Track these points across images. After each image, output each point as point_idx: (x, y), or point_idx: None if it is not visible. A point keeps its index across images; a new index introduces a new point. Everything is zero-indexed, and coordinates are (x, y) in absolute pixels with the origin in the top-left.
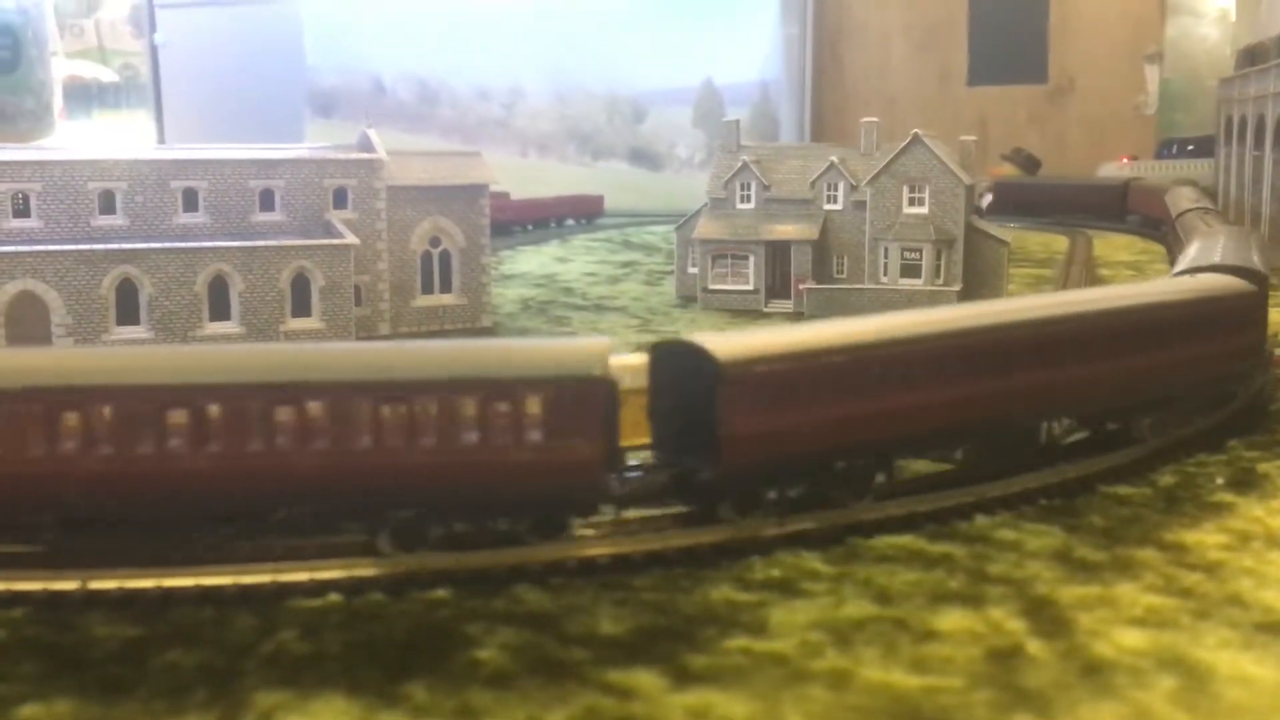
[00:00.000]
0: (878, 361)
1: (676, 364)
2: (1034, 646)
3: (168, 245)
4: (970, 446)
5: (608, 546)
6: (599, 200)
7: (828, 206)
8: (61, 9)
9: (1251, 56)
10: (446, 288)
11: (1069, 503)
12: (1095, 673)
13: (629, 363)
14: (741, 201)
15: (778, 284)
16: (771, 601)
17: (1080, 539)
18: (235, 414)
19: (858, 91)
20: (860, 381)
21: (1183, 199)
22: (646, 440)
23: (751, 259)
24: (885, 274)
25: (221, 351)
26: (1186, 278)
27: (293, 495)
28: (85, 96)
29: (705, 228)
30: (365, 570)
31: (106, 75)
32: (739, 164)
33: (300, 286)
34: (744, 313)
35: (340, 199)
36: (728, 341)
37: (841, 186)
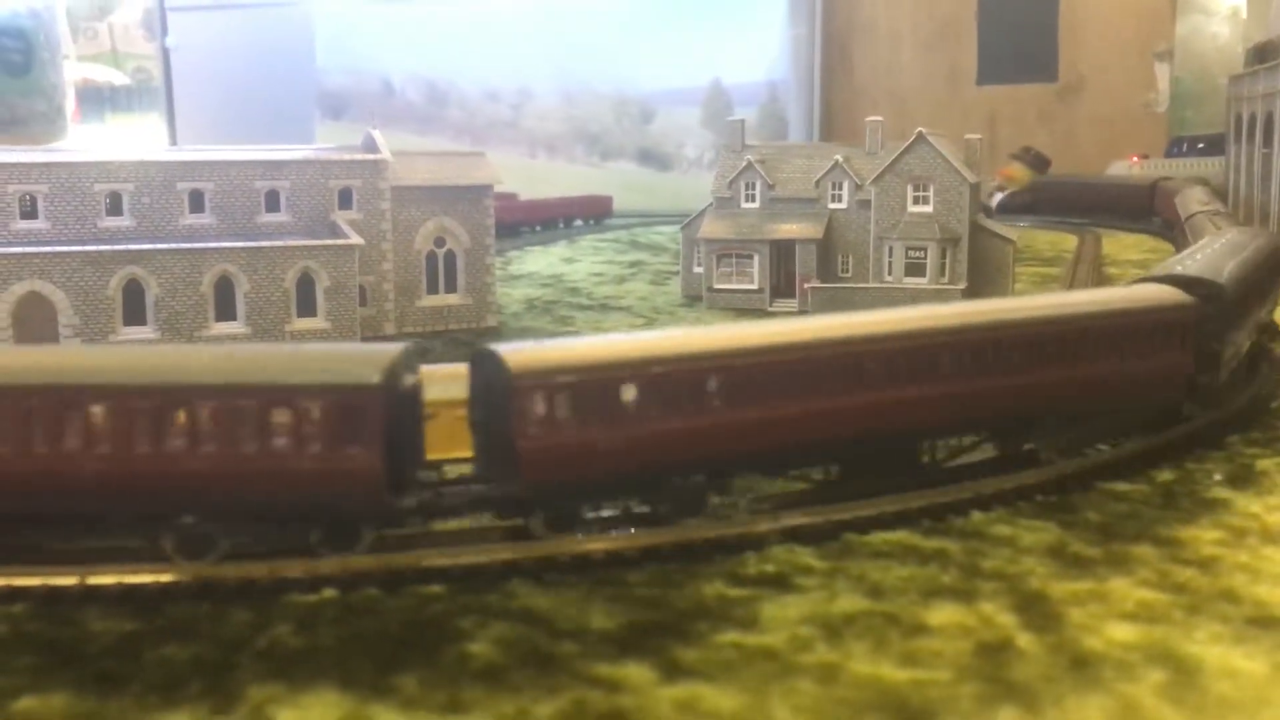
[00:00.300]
0: (702, 374)
1: (487, 373)
2: (1024, 640)
3: (174, 246)
4: (834, 465)
5: (603, 542)
6: (607, 201)
7: (832, 205)
8: (75, 12)
9: (1261, 54)
10: (451, 288)
11: (1065, 499)
12: (1083, 666)
13: (444, 372)
14: (746, 201)
15: (783, 283)
16: (764, 596)
17: (1075, 534)
18: (19, 417)
19: (866, 91)
20: (682, 395)
21: (1193, 201)
22: (468, 453)
23: (756, 258)
24: (890, 273)
25: (9, 353)
26: (1118, 289)
27: (77, 498)
28: (98, 99)
29: (710, 227)
30: (362, 565)
31: (119, 78)
32: (744, 163)
33: (305, 287)
34: (749, 312)
35: (345, 200)
36: (530, 350)
37: (846, 185)
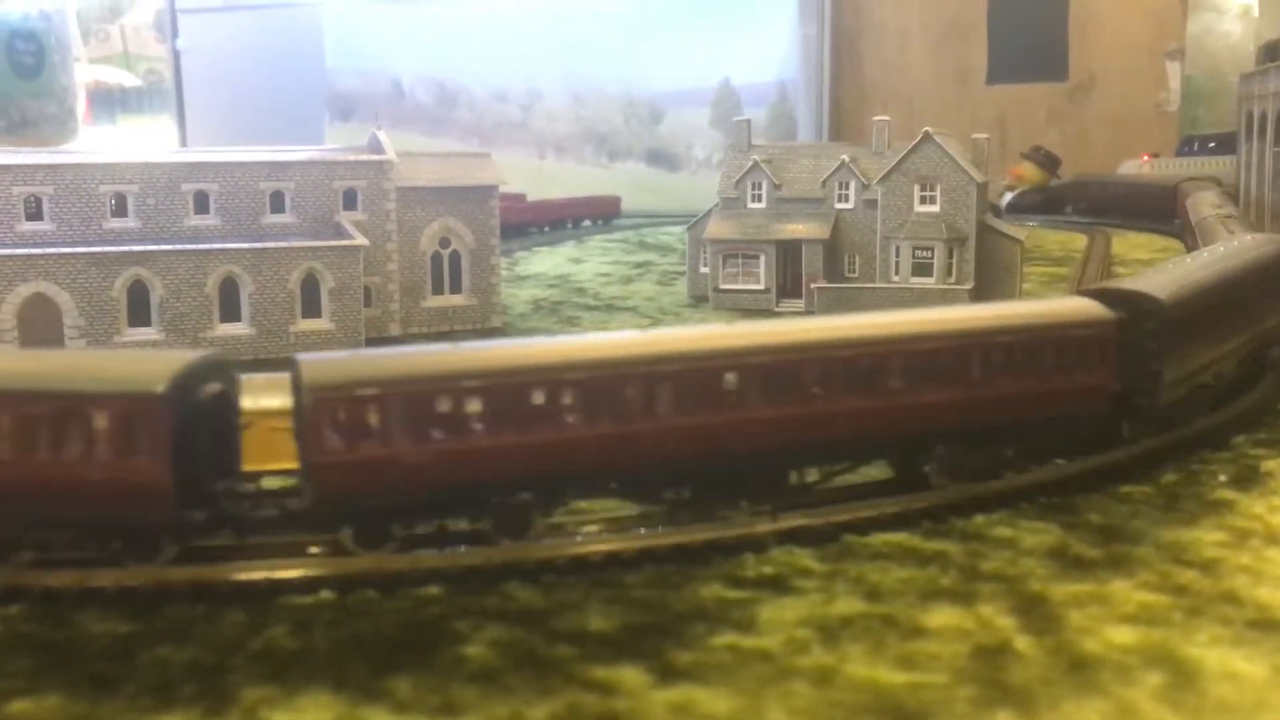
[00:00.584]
0: (524, 388)
1: (296, 383)
2: (1022, 643)
3: (178, 247)
4: (683, 487)
5: (601, 544)
6: (615, 201)
7: (839, 205)
8: (86, 14)
9: (1273, 52)
10: (456, 288)
11: (1068, 500)
12: (1082, 669)
13: (266, 380)
14: (753, 201)
15: (789, 283)
16: (761, 599)
17: (1077, 536)
18: None
19: (876, 91)
20: (503, 409)
21: (1204, 204)
22: (292, 464)
23: (762, 258)
24: (897, 273)
25: None
26: (1037, 302)
27: None
28: (109, 102)
29: (716, 227)
30: (358, 567)
31: (130, 80)
32: (750, 163)
33: (310, 288)
34: (755, 312)
35: (350, 200)
36: (333, 361)
37: (853, 185)
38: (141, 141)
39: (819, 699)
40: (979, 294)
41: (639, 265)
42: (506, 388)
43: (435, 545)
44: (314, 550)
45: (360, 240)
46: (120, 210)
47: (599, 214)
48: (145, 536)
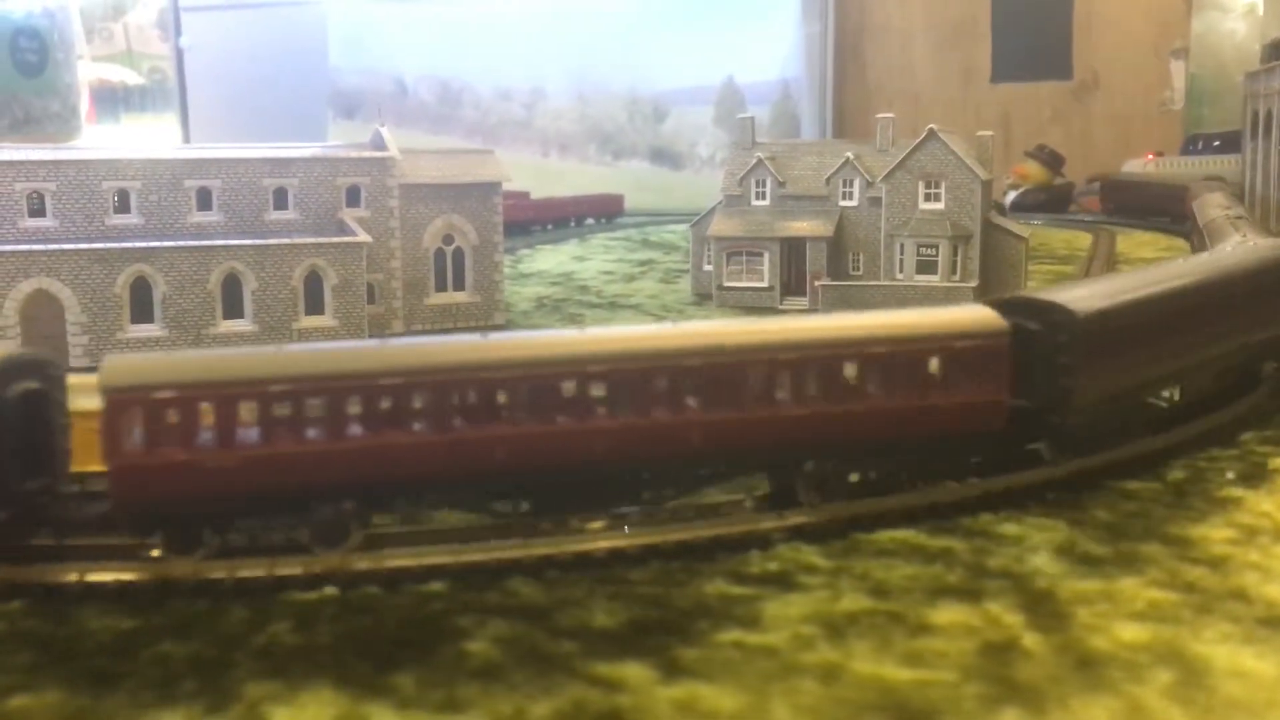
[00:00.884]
0: (341, 393)
1: None
2: (1030, 640)
3: (181, 244)
4: (521, 498)
5: (604, 540)
6: (619, 199)
7: (843, 203)
8: (90, 13)
9: (1277, 50)
10: (460, 285)
11: (1075, 497)
12: (1090, 667)
13: (89, 381)
14: (756, 198)
15: (793, 281)
16: (767, 595)
17: (1084, 533)
18: None
19: (880, 89)
20: (314, 415)
21: (1212, 205)
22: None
23: (766, 256)
24: (901, 270)
25: None
26: (927, 311)
27: None
28: (113, 100)
29: (720, 225)
30: (361, 564)
31: (133, 78)
32: (754, 161)
33: (313, 284)
34: (759, 310)
35: (353, 197)
36: (137, 362)
37: (857, 183)
38: (145, 140)
39: (825, 696)
40: (984, 291)
41: (642, 263)
42: (319, 391)
43: (255, 554)
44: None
45: (363, 237)
46: (123, 206)
47: (602, 212)
48: None
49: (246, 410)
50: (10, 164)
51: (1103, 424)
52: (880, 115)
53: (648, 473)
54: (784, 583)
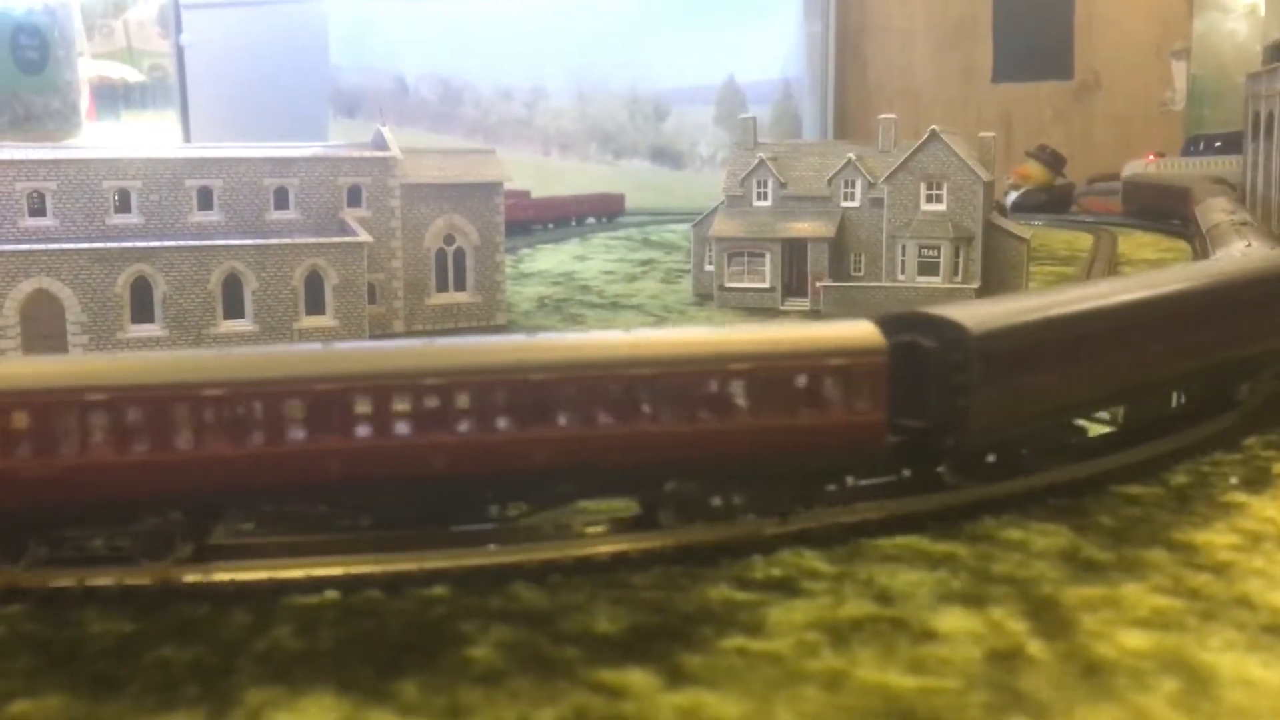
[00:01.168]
0: (163, 402)
1: None
2: (1034, 647)
3: (182, 243)
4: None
5: (607, 545)
6: (620, 199)
7: (845, 204)
8: (90, 10)
9: (1279, 51)
10: (461, 285)
11: (1078, 502)
12: (1095, 674)
13: None
14: (758, 199)
15: (794, 282)
16: (770, 601)
17: (1088, 539)
18: None
19: (881, 89)
20: (125, 424)
21: (1215, 210)
22: None
23: (768, 256)
24: (903, 272)
25: None
26: (803, 326)
27: None
28: (113, 97)
29: (721, 225)
30: (363, 567)
31: (134, 76)
32: (755, 161)
33: (314, 284)
34: (760, 311)
35: (354, 197)
36: None
37: (859, 184)
38: (145, 137)
39: (829, 703)
40: (985, 293)
41: (643, 263)
42: (140, 400)
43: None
44: None
45: (364, 237)
46: (124, 206)
47: (603, 212)
48: None
49: (59, 418)
50: (11, 163)
51: (1013, 447)
52: (882, 116)
53: (492, 490)
54: (787, 588)
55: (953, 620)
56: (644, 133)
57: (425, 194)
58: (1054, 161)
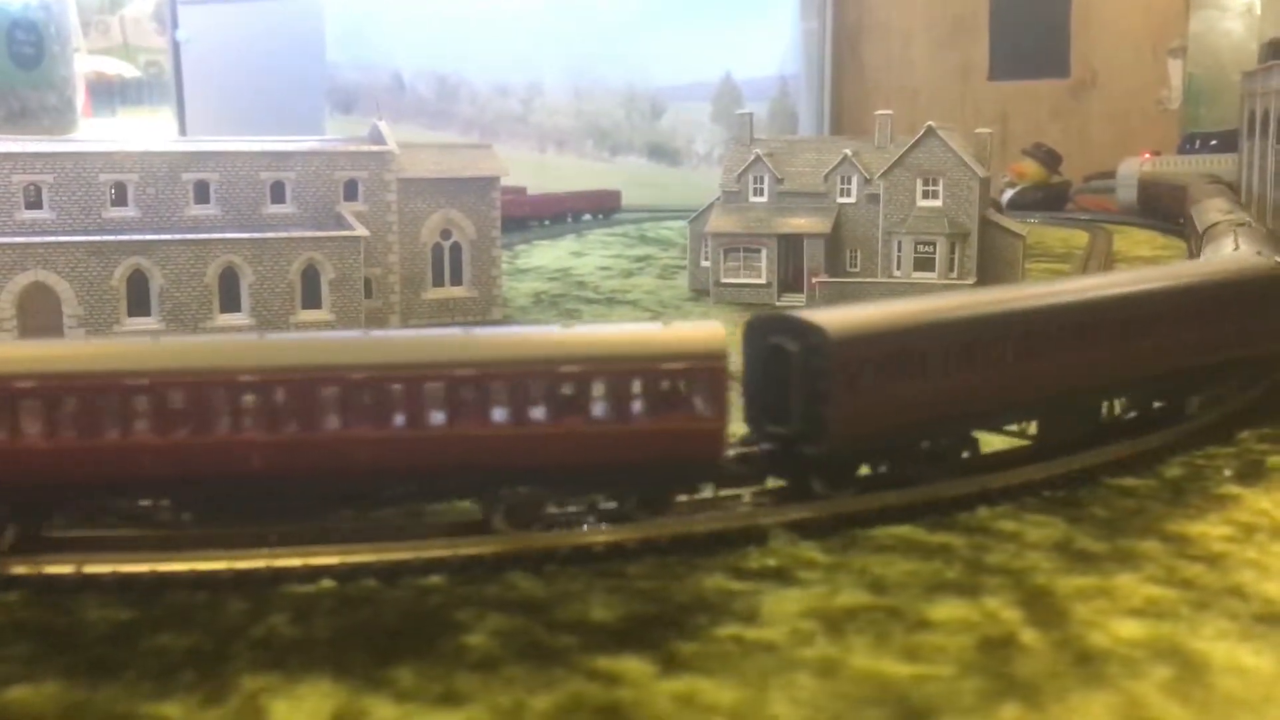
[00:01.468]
0: None
1: None
2: (1028, 636)
3: (178, 237)
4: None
5: (603, 534)
6: (616, 195)
7: (841, 200)
8: (86, 6)
9: (1276, 49)
10: (457, 280)
11: (1073, 494)
12: (1088, 662)
13: None
14: (754, 195)
15: (790, 277)
16: (765, 590)
17: (1082, 530)
18: None
19: (878, 86)
20: None
21: (1212, 211)
22: None
23: (764, 252)
24: (899, 267)
25: None
26: (635, 327)
27: None
28: (109, 93)
29: (717, 221)
30: (359, 556)
31: (130, 72)
32: (752, 157)
33: (310, 278)
34: (756, 306)
35: (351, 191)
36: None
37: (855, 179)
38: (140, 133)
39: (823, 690)
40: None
41: (640, 259)
42: None
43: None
44: None
45: (361, 231)
46: (120, 199)
47: (600, 208)
48: None
49: None
50: (7, 156)
51: (898, 459)
52: (879, 112)
53: (316, 489)
54: (782, 578)
55: (947, 609)
56: (640, 129)
57: (422, 188)
58: (1050, 159)
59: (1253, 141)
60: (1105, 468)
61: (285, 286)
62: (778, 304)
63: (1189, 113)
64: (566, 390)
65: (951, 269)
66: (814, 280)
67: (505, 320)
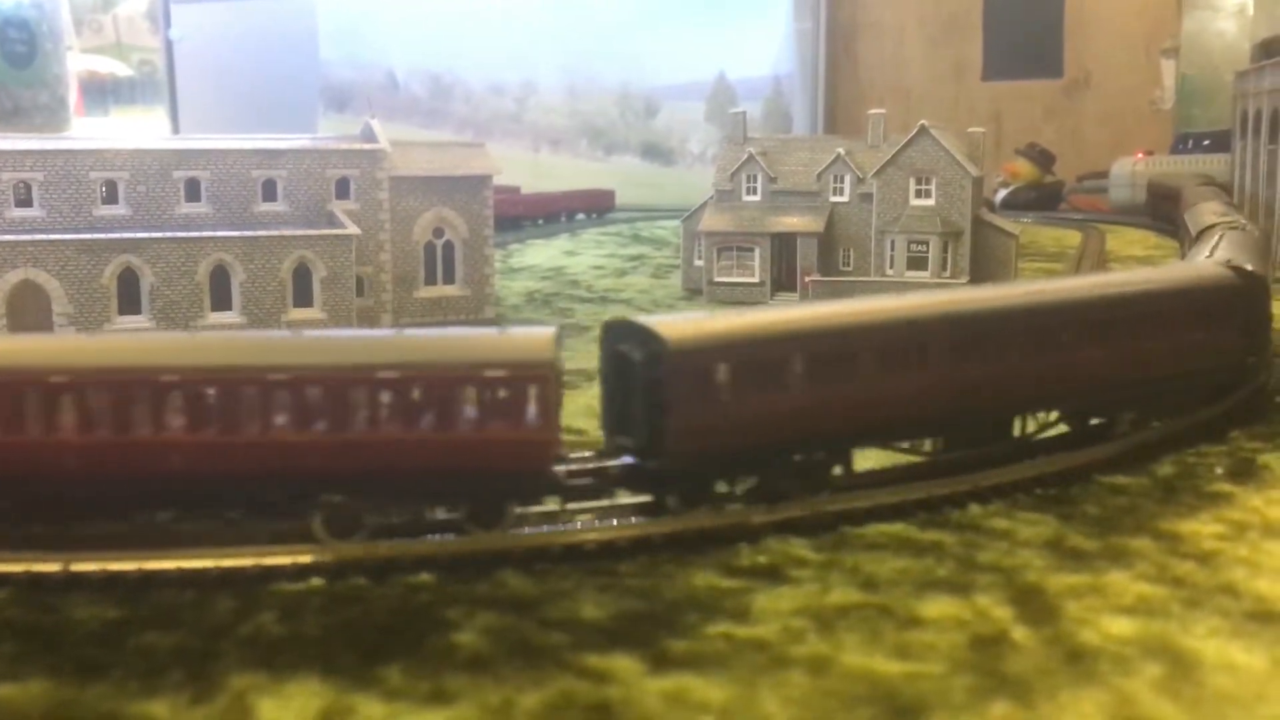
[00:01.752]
0: None
1: None
2: (1019, 634)
3: (169, 235)
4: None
5: (595, 532)
6: (610, 195)
7: (834, 199)
8: (79, 4)
9: (1268, 49)
10: (450, 279)
11: (1064, 492)
12: (1079, 660)
13: None
14: (748, 194)
15: (784, 276)
16: (756, 588)
17: (1073, 528)
18: None
19: (872, 86)
20: None
21: (1207, 213)
22: None
23: (757, 251)
24: (891, 266)
25: None
26: (467, 333)
27: None
28: (101, 92)
29: (711, 220)
30: (348, 554)
31: (123, 70)
32: (745, 156)
33: (302, 277)
34: (750, 305)
35: (343, 189)
36: None
37: (848, 179)
38: (133, 131)
39: (814, 688)
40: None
41: (633, 258)
42: None
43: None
44: None
45: (353, 229)
46: (111, 197)
47: (593, 207)
48: None
49: None
50: None
51: (755, 473)
52: (872, 111)
53: (128, 494)
54: (773, 575)
55: (938, 607)
56: (634, 129)
57: (414, 187)
58: (1043, 159)
59: (1245, 141)
60: (1096, 465)
61: (276, 285)
62: (770, 303)
63: (1182, 113)
64: (384, 396)
65: (944, 268)
66: (807, 279)
67: (497, 319)
